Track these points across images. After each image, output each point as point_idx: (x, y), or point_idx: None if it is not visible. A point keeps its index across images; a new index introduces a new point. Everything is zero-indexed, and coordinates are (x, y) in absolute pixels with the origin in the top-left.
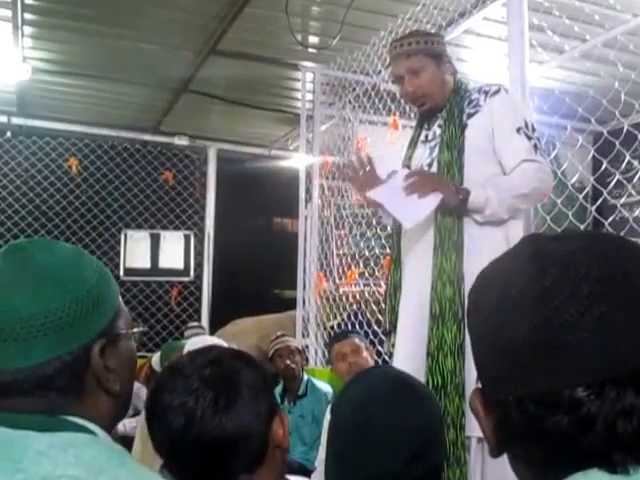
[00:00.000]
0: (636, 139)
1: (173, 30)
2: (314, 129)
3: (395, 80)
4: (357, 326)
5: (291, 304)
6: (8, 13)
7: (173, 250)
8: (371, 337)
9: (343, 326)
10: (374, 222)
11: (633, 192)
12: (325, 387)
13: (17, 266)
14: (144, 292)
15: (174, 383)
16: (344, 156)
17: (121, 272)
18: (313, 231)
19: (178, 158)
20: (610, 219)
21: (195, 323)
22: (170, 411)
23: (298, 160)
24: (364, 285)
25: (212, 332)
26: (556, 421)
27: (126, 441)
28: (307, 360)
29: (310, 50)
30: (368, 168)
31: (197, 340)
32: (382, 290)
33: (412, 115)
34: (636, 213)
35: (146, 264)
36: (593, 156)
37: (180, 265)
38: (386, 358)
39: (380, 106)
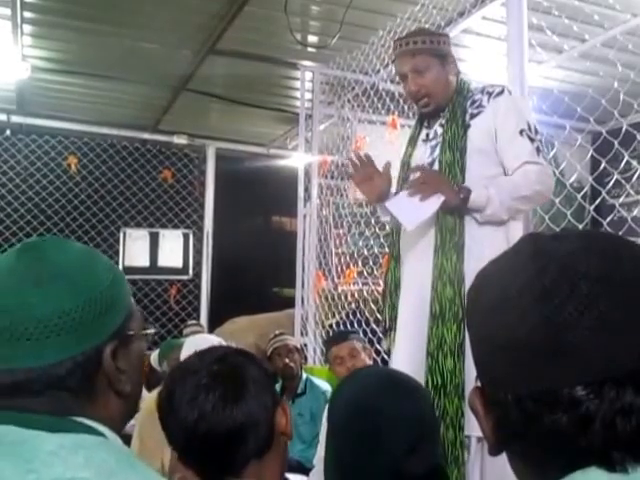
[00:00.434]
0: (635, 139)
1: (172, 29)
2: (313, 128)
3: (399, 78)
4: (356, 325)
5: (290, 303)
6: (7, 11)
7: (172, 248)
8: (370, 336)
9: (342, 325)
10: (373, 221)
11: (631, 192)
12: (324, 385)
13: (31, 265)
14: (143, 290)
15: (185, 380)
16: (343, 155)
17: None
18: (312, 230)
19: (177, 157)
20: (608, 219)
21: (194, 321)
22: (182, 407)
23: (297, 159)
24: (363, 284)
25: (211, 330)
26: (555, 420)
27: (124, 438)
28: (306, 359)
29: (309, 49)
30: (367, 164)
31: (196, 338)
32: (380, 289)
33: (411, 114)
34: (634, 213)
35: (145, 262)
36: (592, 156)
37: (179, 263)
38: (385, 357)
39: (379, 105)
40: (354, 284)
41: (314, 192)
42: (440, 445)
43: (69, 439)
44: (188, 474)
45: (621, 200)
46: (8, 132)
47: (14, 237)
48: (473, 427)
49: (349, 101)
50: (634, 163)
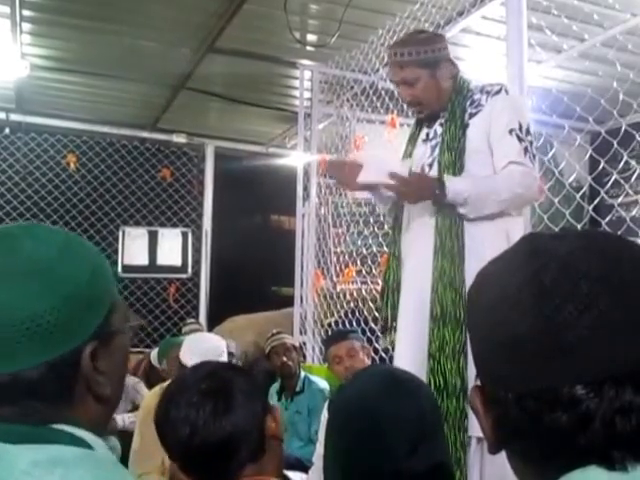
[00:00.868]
0: (634, 139)
1: (171, 27)
2: (312, 127)
3: (394, 84)
4: (354, 324)
5: (289, 301)
6: (7, 10)
7: (171, 247)
8: (368, 335)
9: (340, 324)
10: (371, 220)
11: (630, 192)
12: (322, 383)
13: (4, 256)
14: (142, 289)
15: (178, 398)
16: (342, 154)
17: (119, 269)
18: (310, 229)
19: (176, 155)
20: (607, 218)
21: (192, 320)
22: (177, 423)
23: (296, 158)
24: (361, 283)
25: (210, 329)
26: (555, 418)
27: (125, 436)
28: (304, 357)
29: (308, 48)
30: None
31: (195, 337)
32: (379, 288)
33: (410, 113)
34: (633, 212)
35: (144, 261)
36: (591, 155)
37: (178, 262)
38: (383, 355)
39: (378, 104)
40: (353, 283)
41: (313, 191)
42: (444, 443)
43: (45, 454)
44: None
45: (620, 200)
46: (7, 130)
47: None
48: (473, 427)
49: (348, 100)
50: (633, 163)
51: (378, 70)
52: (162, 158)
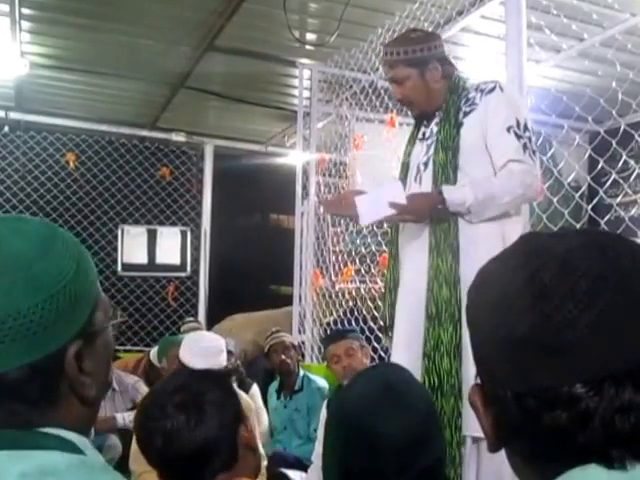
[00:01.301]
0: (633, 138)
1: (171, 26)
2: (311, 126)
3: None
4: (353, 323)
5: (287, 300)
6: (6, 8)
7: (170, 246)
8: (367, 334)
9: (339, 323)
10: None
11: (629, 191)
12: (320, 382)
13: None
14: (141, 287)
15: (153, 410)
16: (341, 153)
17: (119, 267)
18: (309, 228)
19: (175, 154)
20: (606, 218)
21: (191, 318)
22: (152, 434)
23: (295, 157)
24: (360, 282)
25: (209, 327)
26: (554, 417)
27: (125, 434)
28: (303, 356)
29: (308, 47)
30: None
31: (194, 335)
32: (378, 287)
33: (409, 113)
34: (632, 212)
35: (143, 259)
36: (589, 155)
37: (177, 261)
38: (382, 354)
39: (377, 103)
40: (351, 282)
41: (312, 190)
42: (441, 446)
43: (34, 463)
44: None
45: (618, 200)
46: (6, 129)
47: None
48: (469, 427)
49: (347, 99)
50: (632, 163)
51: (377, 69)
52: (161, 157)
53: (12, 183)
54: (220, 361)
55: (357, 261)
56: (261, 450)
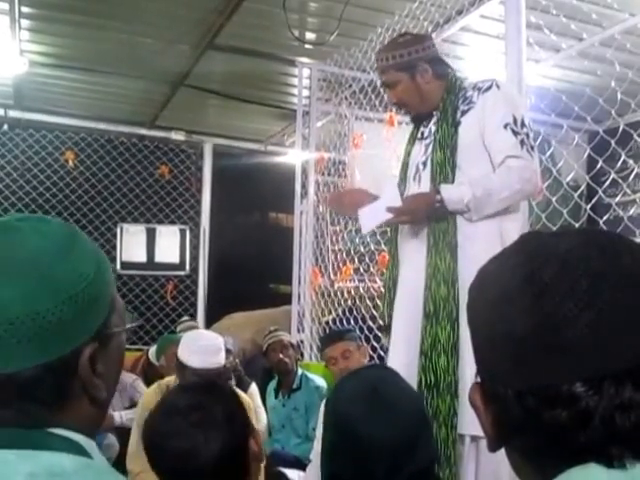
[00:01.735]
0: (631, 138)
1: (171, 24)
2: (310, 125)
3: None
4: (352, 322)
5: (286, 299)
6: (5, 6)
7: (169, 244)
8: (366, 332)
9: (338, 321)
10: None
11: (628, 191)
12: (319, 381)
13: (7, 251)
14: (140, 286)
15: (168, 427)
16: (340, 152)
17: (118, 266)
18: (308, 226)
19: (174, 153)
20: (605, 218)
21: (187, 317)
22: (167, 453)
23: (294, 156)
24: (359, 281)
25: (207, 326)
26: (554, 415)
27: (123, 433)
28: (302, 355)
29: (307, 46)
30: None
31: (193, 334)
32: (377, 286)
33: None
34: (630, 212)
35: (142, 258)
36: (588, 155)
37: (176, 259)
38: (381, 353)
39: (376, 102)
40: (350, 281)
41: (311, 189)
42: (430, 447)
43: (42, 465)
44: None
45: (617, 199)
46: (5, 127)
47: None
48: (467, 426)
49: (346, 98)
50: (630, 162)
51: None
52: (160, 155)
53: (11, 181)
54: (218, 360)
55: (356, 260)
56: None
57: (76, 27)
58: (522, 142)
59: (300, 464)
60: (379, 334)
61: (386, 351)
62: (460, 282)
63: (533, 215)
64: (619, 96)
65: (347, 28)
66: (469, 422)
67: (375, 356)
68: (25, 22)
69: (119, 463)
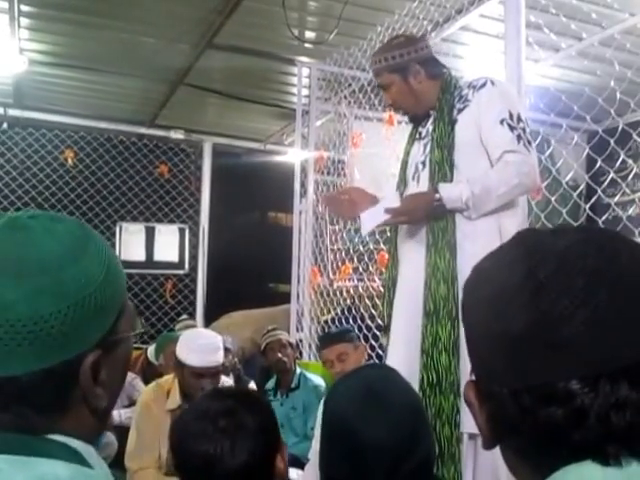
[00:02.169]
0: (631, 138)
1: (170, 23)
2: (310, 124)
3: None
4: (351, 321)
5: (285, 298)
6: (5, 5)
7: (168, 243)
8: (365, 332)
9: (337, 321)
10: None
11: (627, 191)
12: (317, 380)
13: (14, 250)
14: (139, 285)
15: (196, 430)
16: (339, 152)
17: None
18: (308, 226)
19: (173, 152)
20: (604, 217)
21: (185, 316)
22: (194, 455)
23: (293, 155)
24: (358, 280)
25: (206, 325)
26: (550, 413)
27: (121, 430)
28: (301, 354)
29: (307, 45)
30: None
31: (192, 332)
32: (376, 285)
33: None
34: (630, 212)
35: (141, 257)
36: (588, 154)
37: (175, 258)
38: (380, 352)
39: (376, 102)
40: (349, 280)
41: (310, 188)
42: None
43: (36, 473)
44: None
45: (616, 199)
46: (5, 125)
47: None
48: (465, 424)
49: (346, 97)
50: (630, 162)
51: None
52: (160, 154)
53: (10, 180)
54: (217, 358)
55: (355, 259)
56: None
57: (75, 26)
58: (519, 137)
59: (298, 463)
60: (378, 333)
61: (385, 350)
62: (460, 280)
63: (532, 215)
64: (618, 96)
65: (347, 27)
66: (467, 420)
67: (374, 355)
68: (25, 21)
69: (118, 461)
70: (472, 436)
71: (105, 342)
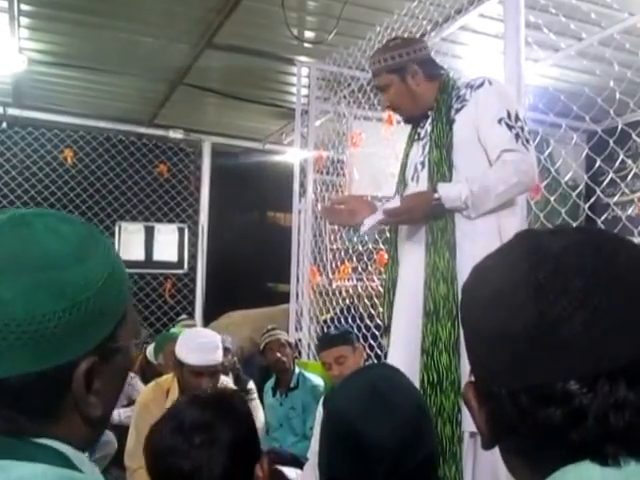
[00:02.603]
0: (630, 138)
1: (170, 22)
2: (309, 124)
3: None
4: (350, 320)
5: (285, 298)
6: (4, 4)
7: (167, 243)
8: (364, 331)
9: (336, 320)
10: None
11: (626, 191)
12: (316, 380)
13: (16, 248)
14: (138, 284)
15: (171, 445)
16: (339, 151)
17: None
18: (307, 225)
19: (173, 151)
20: (603, 217)
21: (185, 316)
22: (171, 470)
23: (292, 154)
24: (357, 280)
25: (206, 324)
26: (549, 414)
27: (120, 430)
28: (300, 354)
29: (306, 45)
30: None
31: (191, 332)
32: (375, 285)
33: None
34: (629, 212)
35: (140, 256)
36: (587, 154)
37: (174, 258)
38: (379, 352)
39: (375, 101)
40: (348, 280)
41: (309, 188)
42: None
43: (12, 477)
44: None
45: (616, 199)
46: (4, 125)
47: None
48: (467, 423)
49: (345, 97)
50: (629, 162)
51: None
52: (159, 154)
53: (10, 179)
54: (216, 357)
55: (354, 259)
56: None
57: (75, 25)
58: (517, 135)
59: (297, 462)
60: (377, 333)
61: (383, 350)
62: (459, 280)
63: (531, 214)
64: (618, 96)
65: (346, 27)
66: (468, 419)
67: (373, 355)
68: (24, 20)
69: (117, 460)
70: (472, 434)
71: (102, 349)
